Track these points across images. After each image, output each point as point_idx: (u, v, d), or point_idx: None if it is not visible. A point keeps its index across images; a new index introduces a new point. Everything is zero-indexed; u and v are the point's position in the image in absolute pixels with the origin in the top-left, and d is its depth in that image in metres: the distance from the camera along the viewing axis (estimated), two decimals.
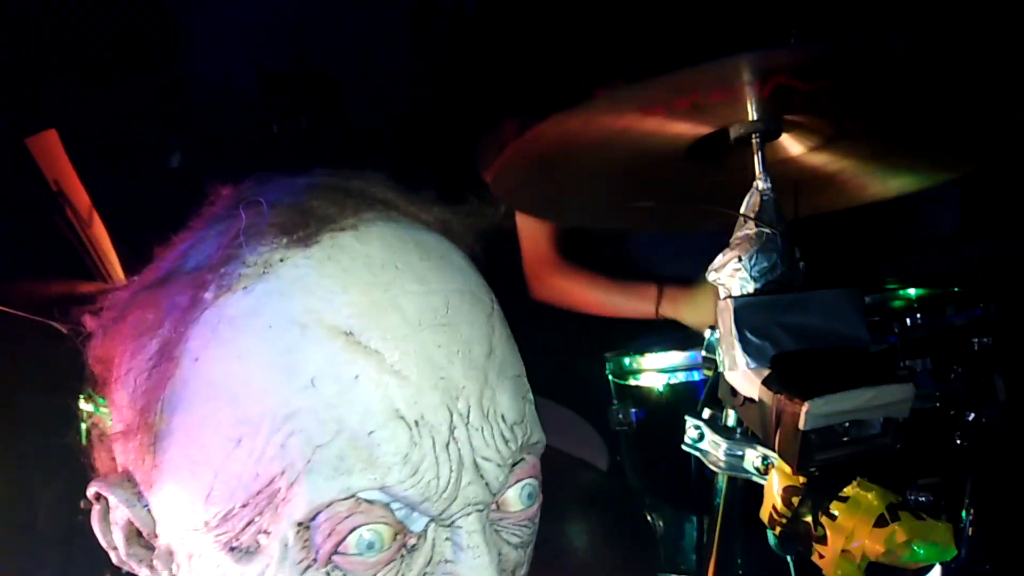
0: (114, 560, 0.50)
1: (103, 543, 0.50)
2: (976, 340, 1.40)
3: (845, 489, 0.78)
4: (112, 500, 0.49)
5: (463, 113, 2.37)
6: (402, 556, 0.44)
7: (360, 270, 0.45)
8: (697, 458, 0.92)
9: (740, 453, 0.87)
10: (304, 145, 2.93)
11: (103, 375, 0.50)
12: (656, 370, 1.19)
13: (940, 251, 1.97)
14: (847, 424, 0.74)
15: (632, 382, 1.22)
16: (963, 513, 1.32)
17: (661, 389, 1.19)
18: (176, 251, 0.50)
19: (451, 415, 0.44)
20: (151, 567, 0.49)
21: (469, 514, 0.45)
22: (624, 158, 0.89)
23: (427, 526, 0.45)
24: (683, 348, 1.18)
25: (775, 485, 0.82)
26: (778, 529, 0.83)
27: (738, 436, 0.88)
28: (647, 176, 0.93)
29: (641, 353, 1.20)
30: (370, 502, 0.42)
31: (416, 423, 0.43)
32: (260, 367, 0.43)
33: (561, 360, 1.63)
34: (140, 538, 0.50)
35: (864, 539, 0.75)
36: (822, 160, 0.95)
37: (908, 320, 1.40)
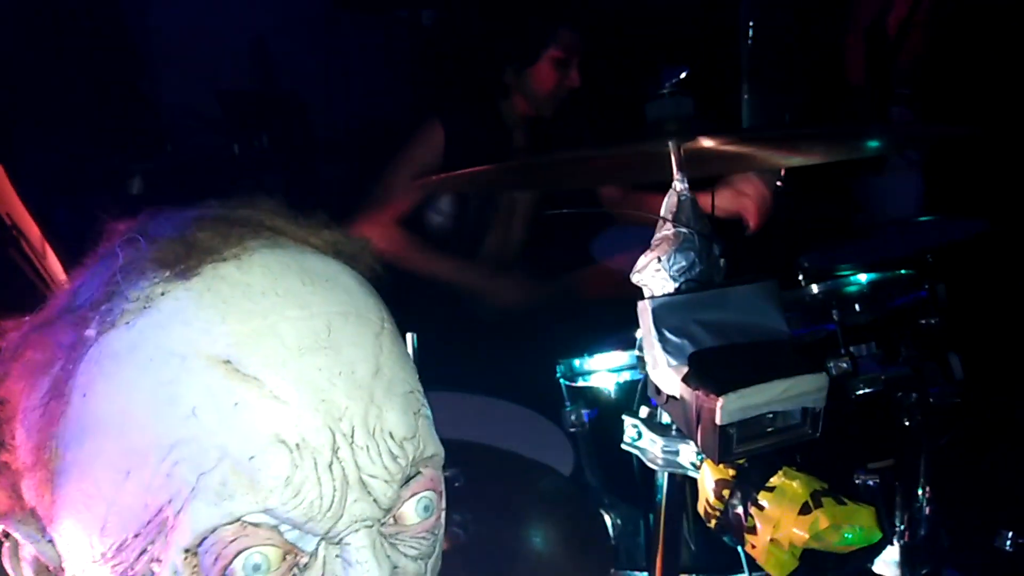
0: None
1: None
2: (923, 321, 1.42)
3: (772, 479, 0.79)
4: (19, 537, 0.50)
5: (423, 121, 2.39)
6: (295, 575, 0.45)
7: (239, 299, 0.46)
8: (638, 456, 0.94)
9: (676, 449, 0.89)
10: (265, 162, 2.93)
11: (3, 415, 0.50)
12: (605, 370, 1.20)
13: (896, 235, 1.99)
14: (769, 415, 0.75)
15: (582, 383, 1.23)
16: (919, 492, 1.34)
17: (611, 389, 1.21)
18: (67, 290, 0.51)
19: (334, 436, 0.45)
20: None
21: (357, 530, 0.45)
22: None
23: (318, 545, 0.46)
24: (630, 348, 1.19)
25: (707, 479, 0.84)
26: (713, 522, 0.85)
27: (673, 433, 0.90)
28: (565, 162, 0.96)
29: (590, 355, 1.21)
30: (256, 525, 0.43)
31: (297, 446, 0.44)
32: (143, 399, 0.44)
33: (520, 368, 1.66)
34: (48, 573, 0.50)
35: (790, 527, 0.76)
36: (732, 148, 0.97)
37: (856, 306, 1.42)
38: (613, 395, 1.20)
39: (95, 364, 0.46)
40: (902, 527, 1.29)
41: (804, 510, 0.76)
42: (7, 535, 0.51)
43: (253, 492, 0.43)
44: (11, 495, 0.51)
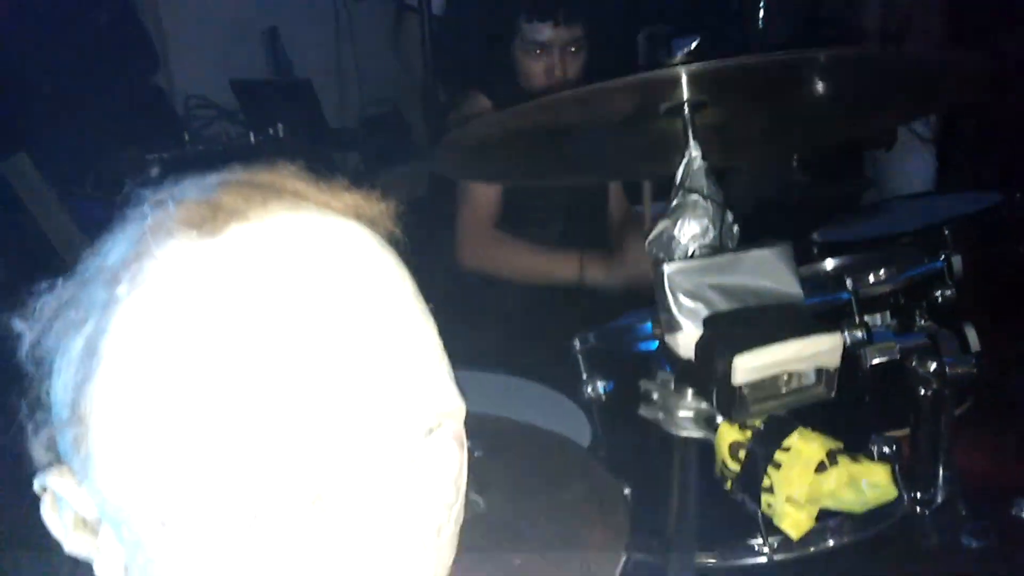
0: (65, 549, 0.53)
1: (53, 534, 0.53)
2: (939, 292, 1.43)
3: (788, 439, 0.81)
4: (57, 491, 0.52)
5: (437, 109, 2.41)
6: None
7: (261, 260, 0.48)
8: (655, 422, 0.96)
9: (691, 414, 0.90)
10: (282, 151, 2.95)
11: (40, 373, 0.53)
12: (622, 340, 1.22)
13: (910, 209, 1.99)
14: (784, 376, 0.77)
15: (599, 355, 1.25)
16: (936, 461, 1.35)
17: (628, 359, 1.22)
18: (97, 253, 0.53)
19: (357, 392, 0.47)
20: (99, 552, 0.52)
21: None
22: (560, 130, 0.92)
23: None
24: (645, 318, 1.21)
25: (723, 441, 0.85)
26: (729, 483, 0.86)
27: (690, 398, 0.91)
28: (582, 142, 0.97)
29: (607, 325, 1.23)
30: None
31: (319, 404, 0.46)
32: (172, 355, 0.46)
33: (537, 341, 1.67)
34: (85, 526, 0.53)
35: (806, 485, 0.77)
36: (743, 123, 0.98)
37: (871, 277, 1.42)
38: (630, 366, 1.22)
39: (126, 321, 0.48)
40: (919, 495, 1.30)
41: (820, 468, 0.77)
42: (46, 489, 0.53)
43: (268, 450, 0.45)
44: (49, 450, 0.53)
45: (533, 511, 1.11)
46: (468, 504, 1.18)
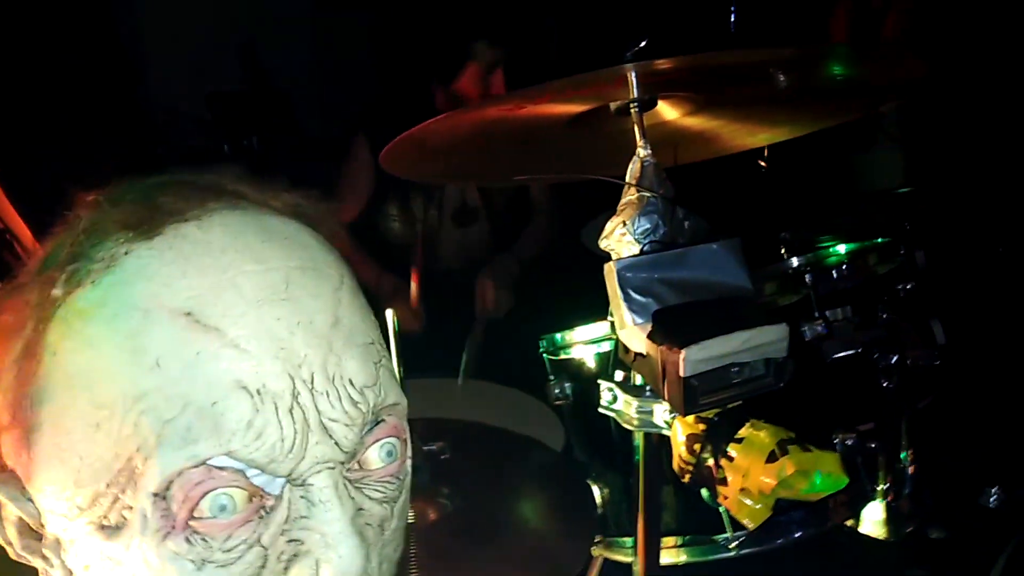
0: (12, 556, 0.53)
1: (0, 540, 0.53)
2: (900, 286, 1.45)
3: (740, 431, 0.82)
4: (1, 498, 0.52)
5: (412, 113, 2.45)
6: (260, 517, 0.47)
7: (199, 255, 0.48)
8: (615, 420, 0.97)
9: (649, 409, 0.91)
10: (257, 162, 2.95)
11: None
12: (585, 342, 1.23)
13: (877, 206, 2.02)
14: (734, 368, 0.78)
15: (564, 356, 1.26)
16: (902, 454, 1.37)
17: (592, 360, 1.23)
18: (37, 256, 0.53)
19: (293, 382, 0.47)
20: (44, 558, 0.52)
21: (320, 471, 0.48)
22: (509, 132, 0.93)
23: (283, 488, 0.48)
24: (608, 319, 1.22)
25: (679, 435, 0.86)
26: (687, 477, 0.87)
27: (647, 394, 0.92)
28: (532, 144, 0.98)
29: (571, 327, 1.24)
30: (221, 468, 0.46)
31: (258, 391, 0.46)
32: (109, 353, 0.47)
33: (511, 351, 1.69)
34: (31, 531, 0.53)
35: (758, 475, 0.79)
36: (695, 122, 1.00)
37: (834, 273, 1.44)
38: (594, 366, 1.23)
39: (63, 323, 0.48)
40: (885, 487, 1.32)
41: (771, 458, 0.78)
42: None
43: (217, 436, 0.45)
44: None
45: (501, 511, 1.12)
46: (437, 504, 1.18)
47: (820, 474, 0.80)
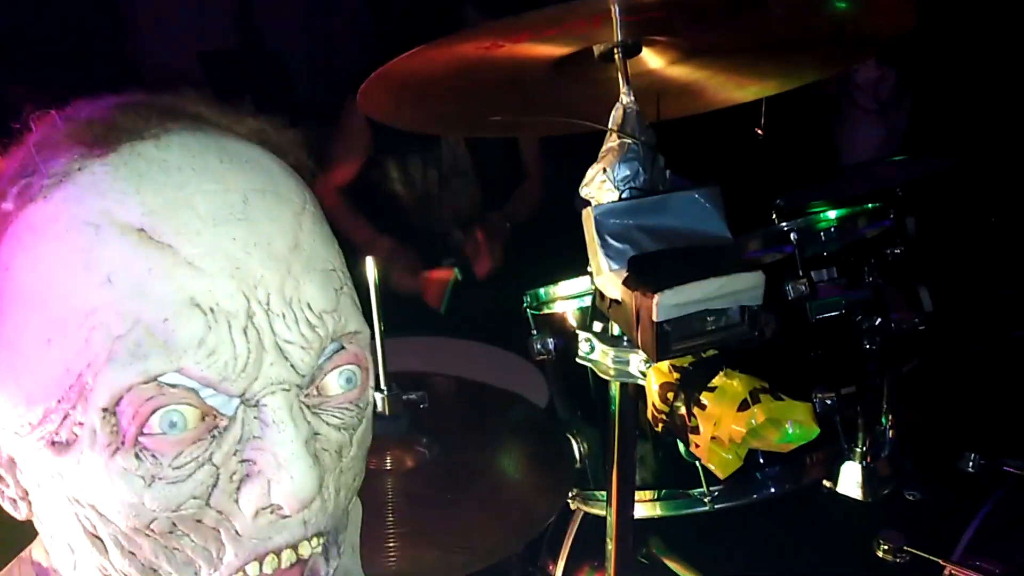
0: None
1: None
2: (888, 251, 1.44)
3: (713, 380, 0.82)
4: None
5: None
6: (213, 436, 0.47)
7: (155, 173, 0.48)
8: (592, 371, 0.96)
9: (625, 359, 0.91)
10: None
11: None
12: (567, 297, 1.22)
13: (869, 173, 2.01)
14: (710, 316, 0.77)
15: (547, 312, 1.26)
16: (883, 418, 1.37)
17: (574, 315, 1.23)
18: None
19: (248, 302, 0.47)
20: (1, 479, 0.52)
21: (274, 392, 0.48)
22: (493, 79, 0.91)
23: (237, 409, 0.48)
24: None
25: (653, 383, 0.86)
26: (660, 426, 0.87)
27: (625, 344, 0.92)
28: (514, 89, 0.96)
29: (554, 282, 1.23)
30: (173, 386, 0.45)
31: (211, 309, 0.46)
32: (61, 269, 0.46)
33: (495, 309, 1.69)
34: None
35: (729, 424, 0.79)
36: (682, 72, 0.98)
37: (822, 235, 1.44)
38: (576, 321, 1.23)
39: (15, 238, 0.48)
40: (863, 449, 1.33)
41: (743, 407, 0.78)
42: None
43: (167, 352, 0.45)
44: None
45: (479, 461, 1.13)
46: (416, 452, 1.19)
47: (792, 424, 0.80)
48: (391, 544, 0.96)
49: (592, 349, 0.94)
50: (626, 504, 1.00)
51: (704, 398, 0.81)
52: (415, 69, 0.87)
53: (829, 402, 1.21)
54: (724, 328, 0.78)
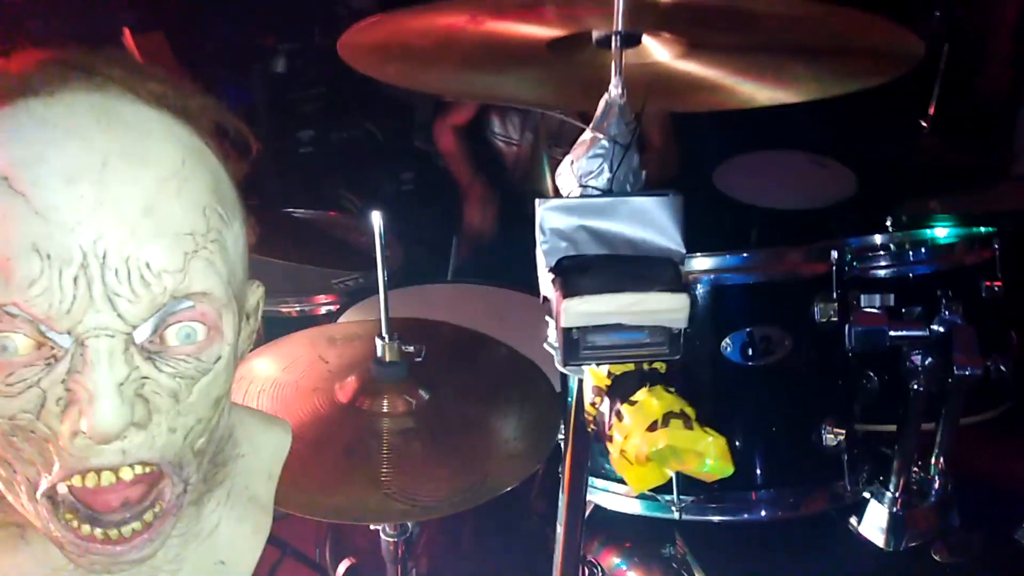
0: None
1: None
2: (984, 284, 1.28)
3: (636, 393, 0.79)
4: None
5: None
6: (48, 364, 0.55)
7: (31, 128, 0.55)
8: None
9: None
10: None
11: None
12: None
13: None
14: (629, 329, 0.75)
15: None
16: (930, 467, 1.24)
17: None
18: None
19: (85, 255, 0.53)
20: None
21: (98, 336, 0.54)
22: (486, 45, 0.91)
23: (72, 345, 0.55)
24: None
25: (588, 385, 0.85)
26: (591, 427, 0.86)
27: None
28: (509, 61, 0.95)
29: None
30: (12, 315, 0.53)
31: (48, 256, 0.53)
32: None
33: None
34: None
35: (636, 441, 0.76)
36: (687, 67, 0.91)
37: (911, 254, 1.30)
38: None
39: None
40: (895, 495, 1.21)
41: (651, 427, 0.76)
42: None
43: (5, 287, 0.53)
44: None
45: (469, 411, 1.17)
46: (403, 402, 1.24)
47: (711, 457, 0.76)
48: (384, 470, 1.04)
49: (549, 340, 0.94)
50: (578, 491, 1.00)
51: (624, 409, 0.79)
52: (396, 30, 0.88)
53: (834, 441, 1.11)
54: (644, 344, 0.76)
